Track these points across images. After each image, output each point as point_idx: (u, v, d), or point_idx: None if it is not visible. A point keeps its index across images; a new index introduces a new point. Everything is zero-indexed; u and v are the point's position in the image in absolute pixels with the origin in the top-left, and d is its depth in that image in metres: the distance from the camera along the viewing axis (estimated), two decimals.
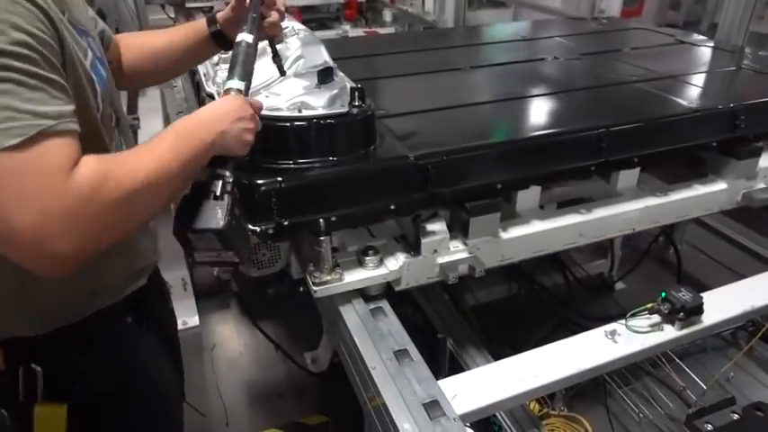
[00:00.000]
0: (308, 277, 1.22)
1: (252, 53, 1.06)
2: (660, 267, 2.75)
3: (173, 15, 3.81)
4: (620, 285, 2.70)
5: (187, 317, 2.66)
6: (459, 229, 1.33)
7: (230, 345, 2.64)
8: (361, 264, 1.27)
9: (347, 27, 3.94)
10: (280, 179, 1.15)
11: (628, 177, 1.55)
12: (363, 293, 1.29)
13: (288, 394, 2.35)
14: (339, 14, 4.19)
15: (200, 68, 1.86)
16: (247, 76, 1.02)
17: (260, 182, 1.15)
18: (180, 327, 2.57)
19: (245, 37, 1.07)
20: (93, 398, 1.00)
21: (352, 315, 1.24)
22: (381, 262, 1.28)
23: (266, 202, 1.15)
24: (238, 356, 2.57)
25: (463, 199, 1.30)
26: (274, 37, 1.19)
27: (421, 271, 1.30)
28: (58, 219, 0.68)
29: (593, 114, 1.53)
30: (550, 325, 2.27)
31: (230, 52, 1.07)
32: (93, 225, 0.72)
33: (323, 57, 1.37)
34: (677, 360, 2.03)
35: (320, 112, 1.21)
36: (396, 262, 1.28)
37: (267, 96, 1.27)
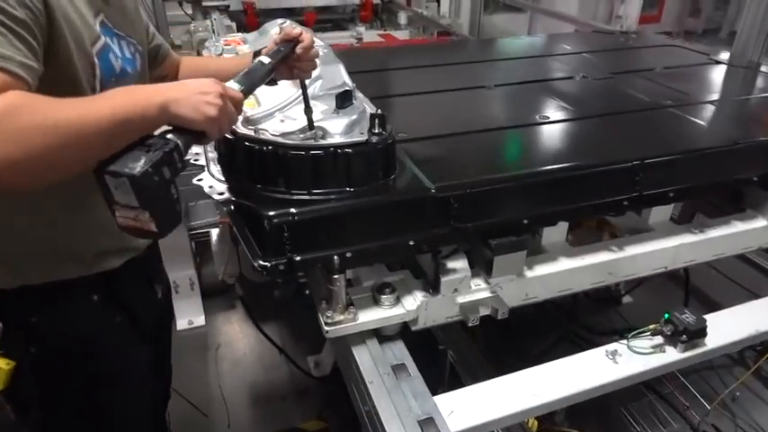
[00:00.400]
0: (320, 316, 1.15)
1: (261, 70, 1.06)
2: (668, 281, 2.68)
3: (189, 12, 3.82)
4: (627, 299, 2.62)
5: (193, 316, 2.70)
6: (481, 266, 1.25)
7: (235, 345, 2.63)
8: (376, 302, 1.19)
9: (362, 29, 3.89)
10: (293, 211, 1.08)
11: (661, 211, 1.46)
12: (378, 333, 1.21)
13: (290, 397, 2.33)
14: (354, 16, 4.15)
15: None
16: (247, 83, 1.02)
17: (271, 213, 1.07)
18: (186, 326, 2.66)
19: (261, 58, 1.09)
20: (46, 363, 1.07)
21: (366, 357, 1.17)
22: (398, 300, 1.20)
23: (278, 236, 1.08)
24: (242, 357, 2.55)
25: (487, 234, 1.22)
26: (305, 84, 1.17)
27: (439, 310, 1.22)
28: None
29: (626, 144, 1.44)
30: (553, 338, 2.21)
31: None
32: None
33: (342, 77, 1.30)
34: (681, 378, 2.00)
35: (338, 139, 1.14)
36: (413, 300, 1.20)
37: (282, 121, 1.20)
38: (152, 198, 0.83)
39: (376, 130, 1.15)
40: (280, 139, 1.13)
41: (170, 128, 0.89)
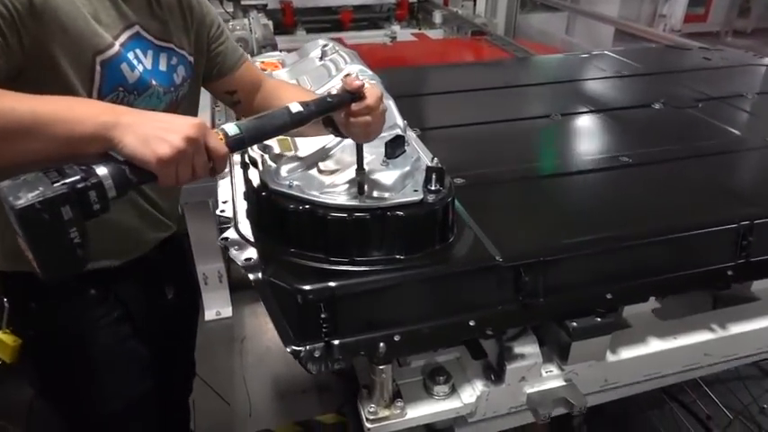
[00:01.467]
0: (360, 409, 0.97)
1: (280, 119, 0.87)
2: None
3: (230, 10, 3.84)
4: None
5: (221, 307, 2.72)
6: (554, 349, 1.04)
7: (260, 338, 2.65)
8: (427, 390, 1.00)
9: (396, 27, 3.88)
10: (332, 285, 0.90)
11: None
12: (428, 426, 1.02)
13: (311, 391, 2.35)
14: (390, 15, 4.12)
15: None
16: (251, 129, 0.84)
17: (307, 287, 0.90)
18: (214, 317, 2.68)
19: (290, 105, 0.88)
20: (42, 346, 1.11)
21: None
22: (453, 389, 1.01)
23: (313, 314, 0.90)
24: (266, 350, 2.57)
25: (563, 312, 1.01)
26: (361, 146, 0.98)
27: (502, 401, 1.02)
28: None
29: (726, 196, 1.21)
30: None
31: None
32: None
33: (393, 118, 1.10)
34: (705, 387, 1.95)
35: (387, 199, 0.95)
36: (472, 391, 1.00)
37: (322, 172, 1.02)
38: (36, 238, 0.69)
39: (433, 186, 0.96)
40: (318, 198, 0.95)
41: (121, 159, 0.74)
